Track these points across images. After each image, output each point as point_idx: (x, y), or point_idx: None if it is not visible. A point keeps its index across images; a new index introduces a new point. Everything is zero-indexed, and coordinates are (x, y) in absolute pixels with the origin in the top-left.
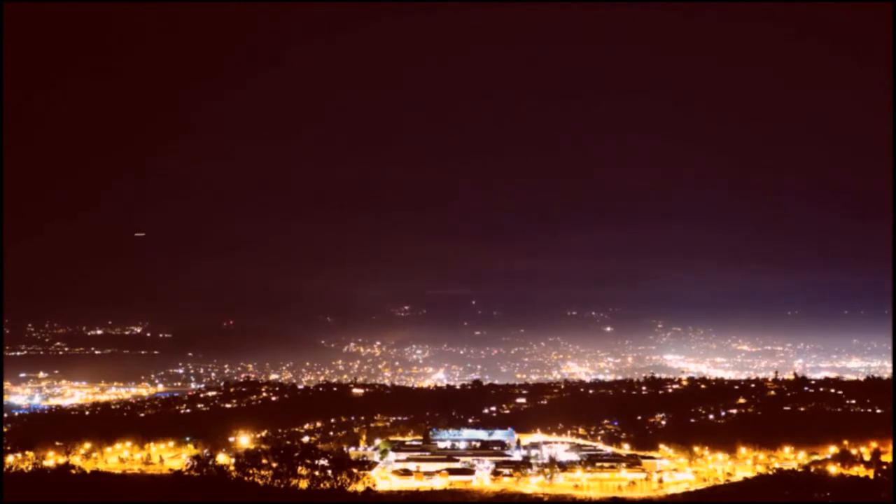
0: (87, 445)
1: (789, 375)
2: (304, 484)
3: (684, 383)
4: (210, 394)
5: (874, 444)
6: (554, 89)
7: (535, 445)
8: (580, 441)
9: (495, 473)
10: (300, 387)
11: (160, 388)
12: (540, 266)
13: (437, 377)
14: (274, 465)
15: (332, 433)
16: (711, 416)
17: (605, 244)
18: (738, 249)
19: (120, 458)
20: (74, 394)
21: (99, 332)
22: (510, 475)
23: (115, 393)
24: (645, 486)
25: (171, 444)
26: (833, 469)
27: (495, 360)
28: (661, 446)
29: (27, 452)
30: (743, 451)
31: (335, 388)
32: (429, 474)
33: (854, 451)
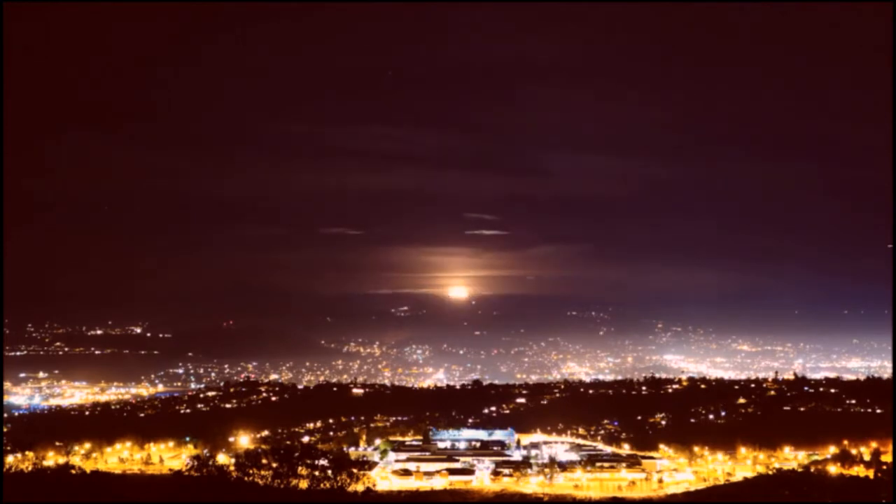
0: (87, 445)
1: (789, 375)
2: (304, 484)
3: (684, 383)
4: (210, 394)
5: (874, 444)
6: (543, 81)
7: (535, 445)
8: (580, 441)
9: (495, 473)
10: (300, 387)
11: (160, 388)
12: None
13: (437, 377)
14: (274, 465)
15: (332, 433)
16: (711, 416)
17: (604, 244)
18: (738, 249)
19: (120, 458)
20: (74, 394)
21: (99, 332)
22: (510, 475)
23: (115, 393)
24: (645, 486)
25: (171, 444)
26: (833, 469)
27: (495, 360)
28: (661, 446)
29: (27, 452)
30: (743, 451)
31: (335, 388)
32: (429, 474)
33: (854, 451)
